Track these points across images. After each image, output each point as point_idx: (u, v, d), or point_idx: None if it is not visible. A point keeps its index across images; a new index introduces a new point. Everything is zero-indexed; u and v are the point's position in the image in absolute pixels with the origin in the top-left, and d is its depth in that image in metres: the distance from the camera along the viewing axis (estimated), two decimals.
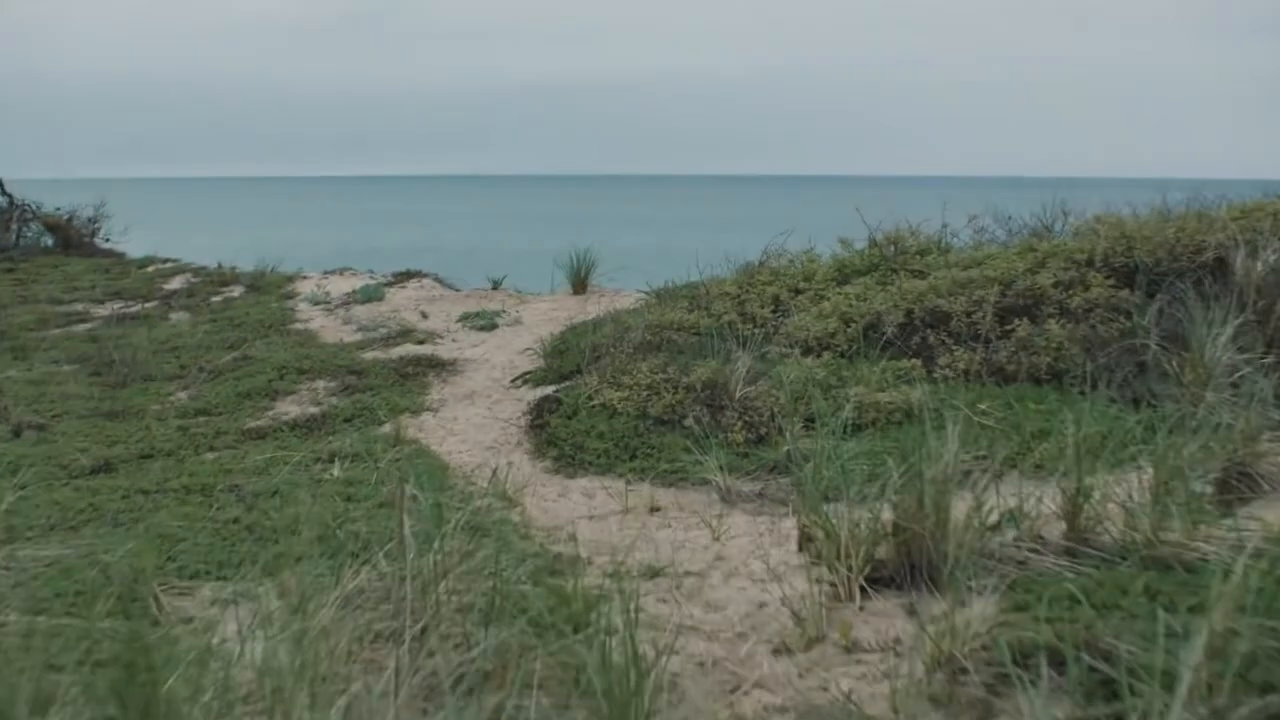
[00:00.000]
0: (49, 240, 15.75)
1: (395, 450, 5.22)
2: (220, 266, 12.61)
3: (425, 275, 10.92)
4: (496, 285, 10.29)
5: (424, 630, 2.74)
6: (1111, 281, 5.34)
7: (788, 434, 4.64)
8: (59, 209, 16.21)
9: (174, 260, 13.70)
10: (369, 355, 7.50)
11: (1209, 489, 3.38)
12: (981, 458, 4.07)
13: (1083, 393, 4.93)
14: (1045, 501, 3.27)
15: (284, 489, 4.74)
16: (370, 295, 9.81)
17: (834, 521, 3.14)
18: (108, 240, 15.97)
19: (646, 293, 8.03)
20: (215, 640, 3.26)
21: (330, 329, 8.74)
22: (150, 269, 13.13)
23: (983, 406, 4.72)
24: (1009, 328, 5.29)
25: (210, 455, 5.55)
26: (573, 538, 4.00)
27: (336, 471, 4.93)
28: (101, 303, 10.90)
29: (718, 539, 3.87)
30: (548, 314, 8.63)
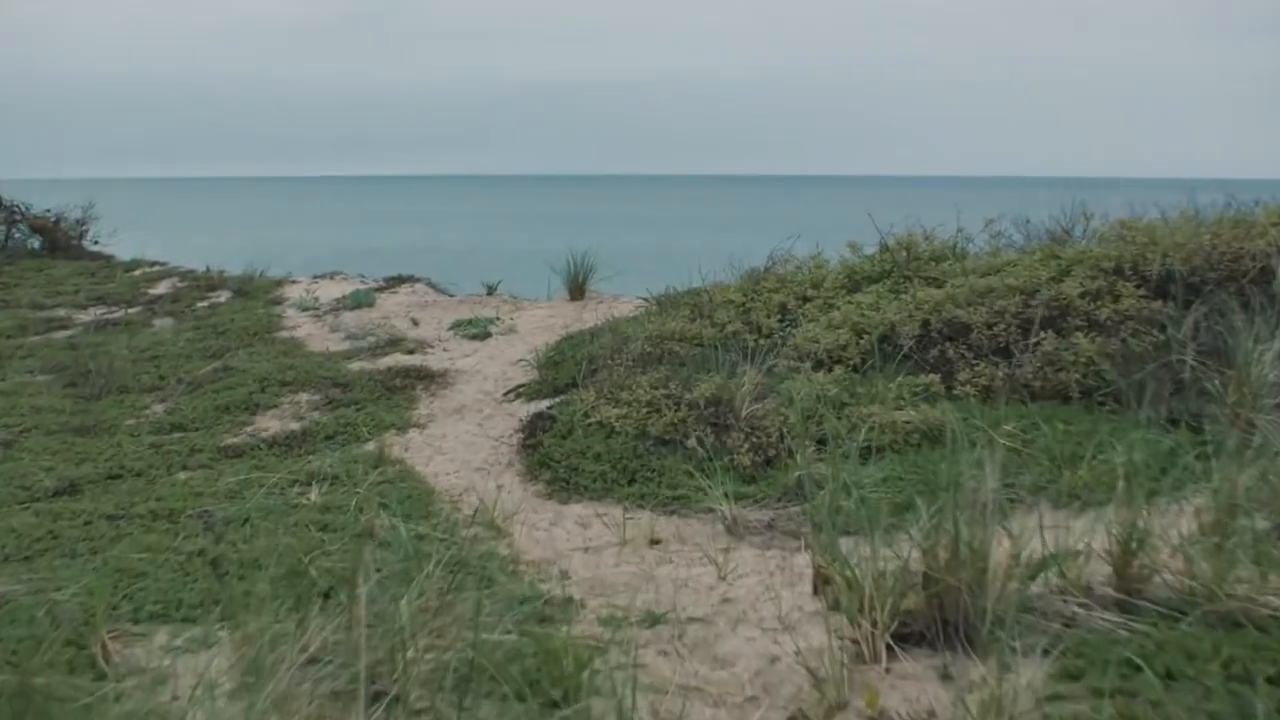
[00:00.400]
0: (36, 243, 15.41)
1: (378, 472, 4.88)
2: (208, 270, 12.27)
3: (417, 280, 10.57)
4: (491, 290, 9.94)
5: (393, 702, 2.41)
6: (1143, 291, 5.00)
7: (798, 457, 4.31)
8: (49, 210, 15.87)
9: (161, 263, 13.36)
10: (355, 366, 7.16)
11: (1271, 529, 3.04)
12: (1010, 486, 3.74)
13: (1114, 412, 4.61)
14: (1086, 540, 2.94)
15: (256, 516, 4.41)
16: (360, 301, 9.46)
17: (855, 569, 2.79)
18: (96, 243, 15.63)
19: (647, 300, 7.69)
20: (163, 699, 2.93)
21: (317, 337, 8.40)
22: (137, 272, 12.80)
23: (1008, 427, 4.38)
24: (1033, 341, 4.95)
25: (182, 475, 5.23)
26: (565, 575, 3.67)
27: (314, 496, 4.59)
28: (84, 308, 10.58)
29: (724, 578, 3.53)
30: (543, 321, 8.28)
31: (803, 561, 3.58)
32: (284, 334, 8.56)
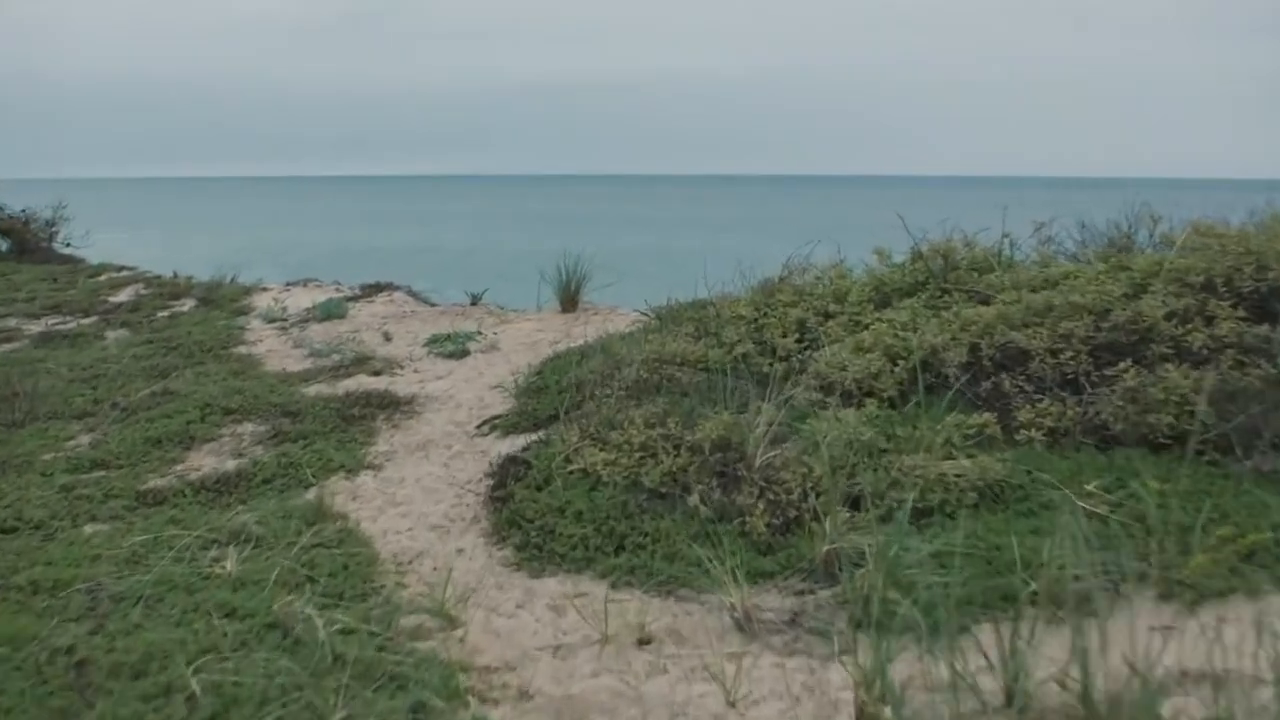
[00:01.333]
0: (3, 245, 14.57)
1: (313, 531, 4.02)
2: (175, 276, 11.42)
3: (397, 288, 9.69)
4: (475, 300, 9.07)
5: None
6: (1241, 312, 4.13)
7: (827, 522, 3.44)
8: (23, 210, 15.02)
9: (130, 268, 12.50)
10: (312, 390, 6.29)
11: None
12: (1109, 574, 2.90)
13: (1215, 464, 3.73)
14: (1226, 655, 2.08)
15: (154, 592, 3.56)
16: (330, 312, 8.59)
17: None
18: (68, 245, 14.78)
19: (645, 314, 6.82)
20: None
21: (277, 354, 7.54)
22: (102, 277, 11.94)
23: (1090, 486, 3.51)
24: (1109, 373, 4.07)
25: (88, 529, 4.38)
26: (525, 695, 2.81)
27: (230, 565, 3.73)
28: (37, 318, 9.72)
29: (733, 704, 2.67)
30: (530, 336, 7.42)
31: (838, 679, 2.72)
32: (242, 350, 7.69)
